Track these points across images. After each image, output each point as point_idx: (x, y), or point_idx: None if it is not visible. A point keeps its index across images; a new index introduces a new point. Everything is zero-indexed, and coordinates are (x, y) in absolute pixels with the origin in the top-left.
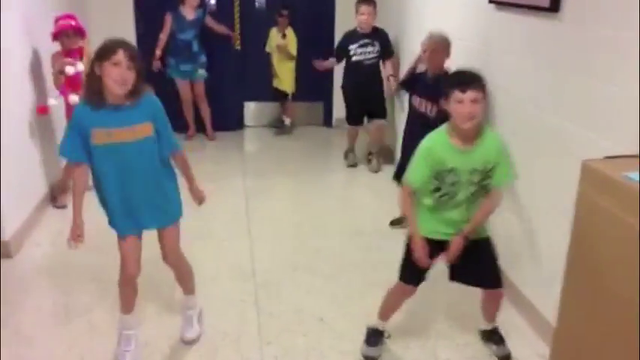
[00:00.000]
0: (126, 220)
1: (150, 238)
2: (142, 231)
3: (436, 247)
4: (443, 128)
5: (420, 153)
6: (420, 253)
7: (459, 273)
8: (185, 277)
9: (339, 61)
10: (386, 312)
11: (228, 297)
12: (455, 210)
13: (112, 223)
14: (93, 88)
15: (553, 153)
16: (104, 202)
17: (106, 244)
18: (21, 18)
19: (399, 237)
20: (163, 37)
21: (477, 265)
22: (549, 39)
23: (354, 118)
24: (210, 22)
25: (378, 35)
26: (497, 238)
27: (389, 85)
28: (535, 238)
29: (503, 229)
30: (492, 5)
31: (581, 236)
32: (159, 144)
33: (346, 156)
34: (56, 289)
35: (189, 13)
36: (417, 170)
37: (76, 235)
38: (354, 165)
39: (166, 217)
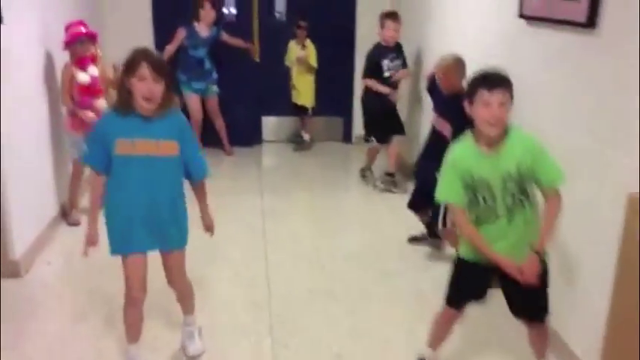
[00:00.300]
0: (134, 237)
1: (158, 265)
2: (147, 252)
3: (487, 271)
4: (468, 136)
5: (447, 166)
6: (509, 264)
7: (510, 293)
8: (186, 298)
9: (369, 76)
10: (435, 341)
11: (241, 326)
12: (496, 224)
13: (118, 240)
14: (122, 99)
15: (592, 181)
16: (114, 217)
17: (119, 268)
18: (36, 29)
19: (418, 262)
20: (171, 49)
21: (525, 291)
22: (585, 57)
23: (383, 135)
24: (225, 37)
25: (400, 49)
26: None
27: (402, 72)
28: (575, 276)
29: None
30: (522, 20)
31: (628, 275)
32: (189, 165)
33: (363, 174)
34: (65, 312)
35: (203, 30)
36: (448, 183)
37: (91, 242)
38: (376, 187)
39: (175, 240)
